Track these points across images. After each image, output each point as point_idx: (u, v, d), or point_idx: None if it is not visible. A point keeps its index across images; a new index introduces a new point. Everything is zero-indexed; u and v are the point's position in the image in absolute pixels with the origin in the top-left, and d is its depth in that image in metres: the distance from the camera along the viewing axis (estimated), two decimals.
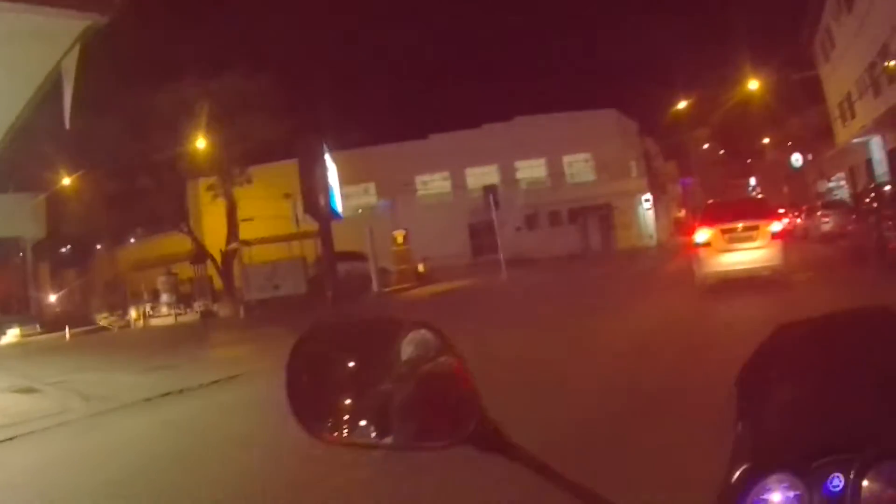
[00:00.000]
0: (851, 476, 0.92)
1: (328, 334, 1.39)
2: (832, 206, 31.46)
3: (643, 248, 47.27)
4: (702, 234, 15.31)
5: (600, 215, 49.44)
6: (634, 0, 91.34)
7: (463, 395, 1.16)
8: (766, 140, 68.63)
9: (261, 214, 37.40)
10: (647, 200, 50.61)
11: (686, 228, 63.53)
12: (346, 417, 1.25)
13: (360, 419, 1.24)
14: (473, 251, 49.55)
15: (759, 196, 29.89)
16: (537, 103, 65.87)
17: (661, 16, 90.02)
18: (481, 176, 49.90)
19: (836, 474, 0.94)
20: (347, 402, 1.25)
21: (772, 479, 0.96)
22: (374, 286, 31.69)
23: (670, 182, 61.58)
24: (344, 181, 50.77)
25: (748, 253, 14.87)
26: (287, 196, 36.51)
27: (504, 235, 50.74)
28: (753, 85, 38.41)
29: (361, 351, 1.28)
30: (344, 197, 52.51)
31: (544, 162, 51.14)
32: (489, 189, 34.15)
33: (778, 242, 14.89)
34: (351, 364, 1.27)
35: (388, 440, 1.21)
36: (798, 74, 43.44)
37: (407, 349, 1.22)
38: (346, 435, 1.25)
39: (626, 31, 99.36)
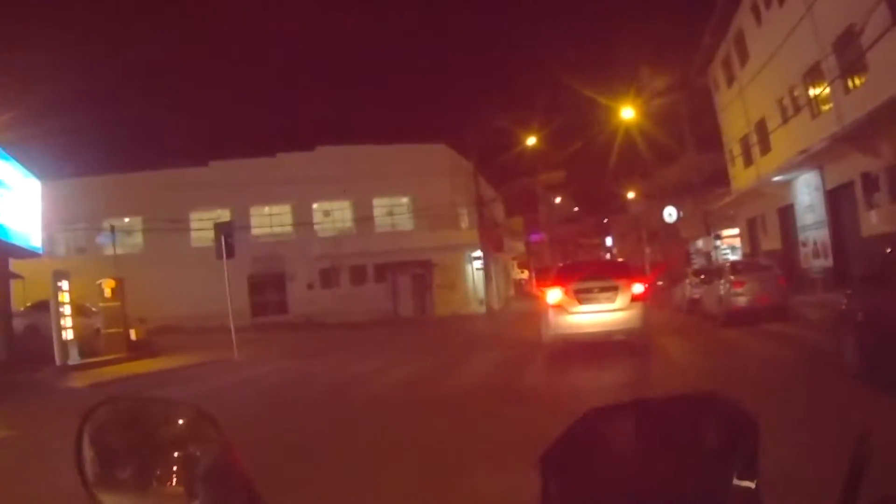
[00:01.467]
0: None
1: (113, 410, 1.41)
2: (747, 267, 21.60)
3: (469, 315, 38.08)
4: (553, 294, 14.29)
5: (415, 273, 39.87)
6: (476, 4, 77.10)
7: (235, 479, 1.23)
8: (631, 194, 62.28)
9: None
10: (477, 258, 41.50)
11: (530, 292, 55.45)
12: (131, 488, 1.29)
13: (144, 492, 1.29)
14: (253, 310, 38.94)
15: (619, 259, 23.10)
16: (350, 133, 56.06)
17: (511, 25, 78.72)
18: (270, 217, 39.57)
19: None
20: (130, 474, 1.30)
21: None
22: (57, 356, 20.98)
23: (509, 237, 52.91)
24: (110, 212, 39.70)
25: (605, 315, 13.81)
26: None
27: (294, 293, 40.63)
28: (626, 114, 30.61)
29: (142, 429, 1.34)
30: (103, 231, 41.11)
31: (349, 204, 41.19)
32: (222, 228, 23.77)
33: (639, 304, 13.85)
34: (133, 440, 1.34)
35: None
36: (685, 98, 36.15)
37: (182, 431, 1.30)
38: None
39: (466, 47, 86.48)
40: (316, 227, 40.33)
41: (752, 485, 1.06)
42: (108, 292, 24.52)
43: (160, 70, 66.17)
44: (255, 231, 40.22)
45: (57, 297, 21.06)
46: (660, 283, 32.60)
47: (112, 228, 32.82)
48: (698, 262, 38.54)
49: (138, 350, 24.59)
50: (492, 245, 43.76)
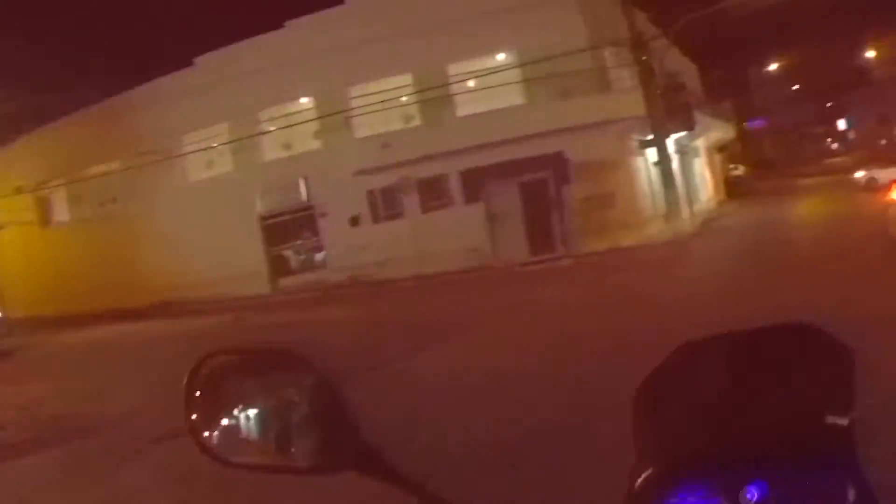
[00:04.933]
0: (772, 485, 0.93)
1: (223, 361, 1.39)
2: None
3: (645, 248, 20.74)
4: None
5: (532, 179, 22.67)
6: None
7: (340, 421, 1.18)
8: (870, 52, 48.77)
9: None
10: (649, 142, 23.71)
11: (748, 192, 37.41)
12: (242, 439, 1.28)
13: (255, 441, 1.27)
14: (275, 269, 24.37)
15: None
16: None
17: None
18: (287, 119, 23.89)
19: (756, 483, 0.93)
20: (243, 424, 1.28)
21: (684, 487, 0.95)
22: None
23: (708, 114, 33.38)
24: (66, 169, 27.64)
25: None
26: None
27: (332, 235, 24.47)
28: None
29: (253, 377, 1.32)
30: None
31: (411, 78, 24.15)
32: None
33: None
34: (245, 389, 1.31)
35: (286, 460, 1.26)
36: None
37: (289, 377, 1.27)
38: (244, 457, 1.30)
39: None
40: (358, 121, 23.74)
41: (844, 422, 0.99)
42: None
43: None
44: (264, 146, 24.86)
45: None
46: None
47: None
48: None
49: None
50: (675, 121, 25.09)
